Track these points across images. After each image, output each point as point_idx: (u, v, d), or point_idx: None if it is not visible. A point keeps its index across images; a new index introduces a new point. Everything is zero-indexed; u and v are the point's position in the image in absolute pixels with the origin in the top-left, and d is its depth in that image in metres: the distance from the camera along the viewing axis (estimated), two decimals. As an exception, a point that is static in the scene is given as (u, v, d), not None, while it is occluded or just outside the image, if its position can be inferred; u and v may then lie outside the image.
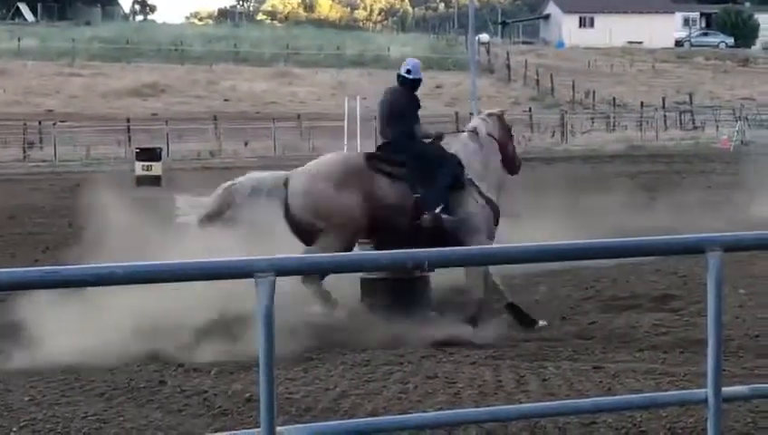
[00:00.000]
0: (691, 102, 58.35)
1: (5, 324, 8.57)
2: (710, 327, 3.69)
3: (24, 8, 77.73)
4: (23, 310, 8.38)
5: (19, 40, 62.04)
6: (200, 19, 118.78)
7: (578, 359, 8.03)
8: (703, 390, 3.72)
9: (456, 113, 51.17)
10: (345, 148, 22.20)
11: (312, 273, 3.32)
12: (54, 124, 41.35)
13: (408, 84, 9.89)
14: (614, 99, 58.14)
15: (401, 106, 9.77)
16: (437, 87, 61.39)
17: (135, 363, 7.94)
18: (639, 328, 9.11)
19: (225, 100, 55.92)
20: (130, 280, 3.08)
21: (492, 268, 9.33)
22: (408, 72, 9.87)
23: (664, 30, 76.63)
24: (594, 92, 60.21)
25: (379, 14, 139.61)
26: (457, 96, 57.60)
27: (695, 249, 3.77)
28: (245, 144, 40.62)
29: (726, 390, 3.76)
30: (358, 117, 21.77)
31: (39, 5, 77.77)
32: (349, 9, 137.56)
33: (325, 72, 61.91)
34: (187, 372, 7.72)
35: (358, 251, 9.28)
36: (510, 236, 9.60)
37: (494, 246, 3.58)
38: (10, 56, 59.98)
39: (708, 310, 3.69)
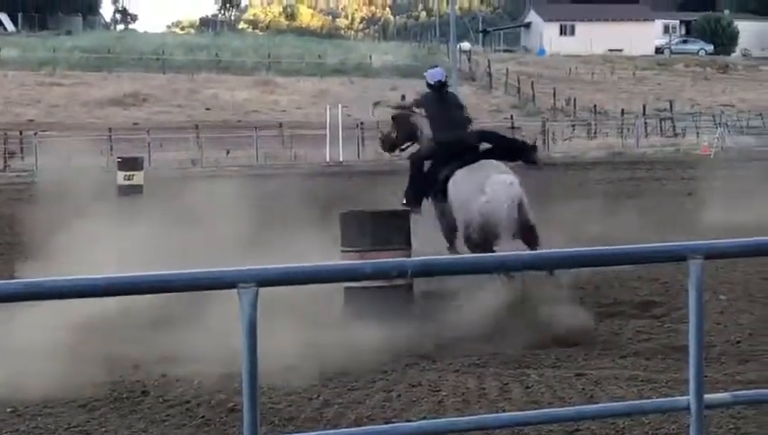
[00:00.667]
0: (671, 109, 58.65)
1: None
2: (691, 334, 3.70)
3: (4, 18, 77.41)
4: None
5: (0, 50, 61.83)
6: (182, 28, 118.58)
7: (560, 366, 8.05)
8: (685, 397, 3.73)
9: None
10: (327, 155, 22.14)
11: (295, 283, 3.31)
12: (35, 134, 41.19)
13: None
14: (595, 106, 58.37)
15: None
16: (419, 95, 61.46)
17: (117, 374, 7.91)
18: (622, 335, 9.14)
19: (207, 109, 55.83)
20: (112, 292, 3.07)
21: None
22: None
23: (644, 37, 77.03)
24: (575, 100, 60.43)
25: (361, 22, 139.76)
26: (439, 104, 57.61)
27: (676, 257, 3.79)
28: (227, 153, 40.57)
29: (708, 397, 3.78)
30: (340, 125, 21.71)
31: (19, 15, 77.47)
32: (330, 18, 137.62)
33: (307, 80, 61.94)
34: (169, 382, 7.70)
35: (343, 261, 9.28)
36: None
37: (480, 255, 3.59)
38: (-10, 66, 59.79)
39: (690, 317, 3.70)
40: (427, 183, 10.68)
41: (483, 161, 10.45)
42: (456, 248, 10.38)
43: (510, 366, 8.04)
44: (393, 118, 11.80)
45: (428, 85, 11.13)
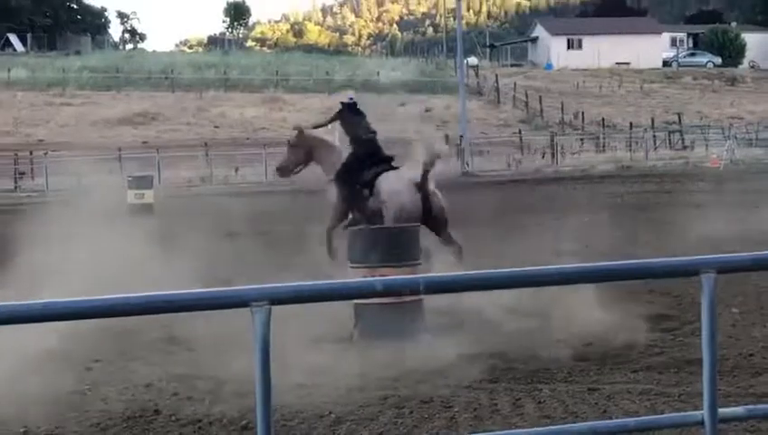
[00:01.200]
0: (680, 122, 58.61)
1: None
2: (705, 348, 3.69)
3: (13, 39, 77.81)
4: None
5: (9, 70, 62.08)
6: (190, 47, 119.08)
7: (573, 381, 8.02)
8: (699, 411, 3.71)
9: (447, 136, 51.38)
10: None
11: (308, 301, 3.30)
12: (45, 154, 41.34)
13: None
14: (603, 120, 58.37)
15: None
16: (427, 110, 61.55)
17: (129, 393, 7.91)
18: (634, 349, 9.10)
19: (216, 127, 56.00)
20: (126, 312, 3.07)
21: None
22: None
23: (651, 51, 77.08)
24: (583, 113, 60.45)
25: (368, 39, 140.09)
26: (447, 119, 57.77)
27: (688, 271, 3.77)
28: (236, 170, 40.67)
29: (723, 410, 3.76)
30: (347, 141, 21.79)
31: (29, 36, 77.85)
32: (338, 34, 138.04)
33: (315, 97, 62.06)
34: (181, 400, 7.70)
35: (356, 279, 9.29)
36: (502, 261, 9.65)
37: (492, 270, 3.57)
38: (0, 87, 60.01)
39: (702, 331, 3.69)
40: (355, 194, 12.46)
41: (398, 170, 12.45)
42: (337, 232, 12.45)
43: (522, 381, 8.02)
44: (289, 143, 13.54)
45: (343, 104, 13.27)
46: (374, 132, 12.98)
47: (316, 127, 13.69)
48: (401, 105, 62.58)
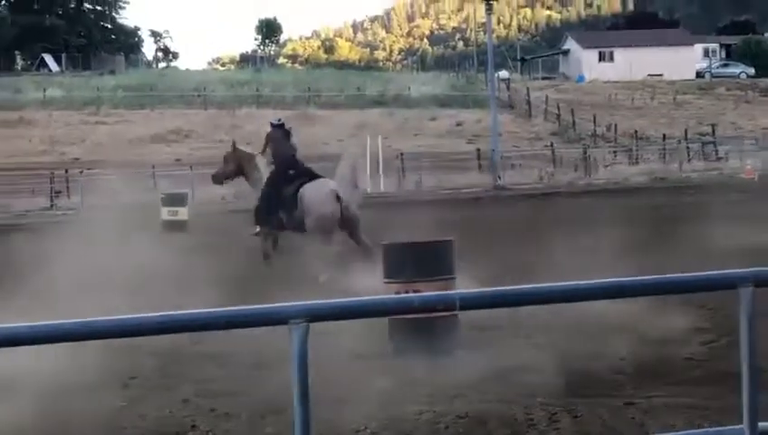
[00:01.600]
0: (714, 133, 58.19)
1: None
2: (743, 361, 3.67)
3: (48, 59, 78.66)
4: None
5: (44, 90, 62.76)
6: (222, 64, 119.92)
7: (609, 395, 7.97)
8: (739, 426, 3.69)
9: (478, 150, 51.31)
10: (368, 186, 22.59)
11: (345, 318, 3.32)
12: (81, 172, 41.71)
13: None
14: (636, 132, 58.07)
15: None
16: (458, 124, 61.57)
17: (166, 408, 7.95)
18: (671, 362, 9.04)
19: (248, 143, 56.16)
20: (163, 330, 3.10)
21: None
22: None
23: (684, 62, 76.64)
24: (616, 126, 60.18)
25: (399, 53, 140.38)
26: (479, 133, 57.73)
27: (726, 285, 3.75)
28: (270, 187, 40.76)
29: (763, 424, 3.73)
30: (380, 155, 21.88)
31: (63, 56, 78.67)
32: (368, 50, 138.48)
33: (346, 112, 62.24)
34: (218, 416, 7.72)
35: (391, 295, 9.30)
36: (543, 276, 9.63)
37: (527, 285, 3.58)
38: (36, 106, 60.64)
39: (741, 345, 3.67)
40: (279, 199, 14.65)
41: (320, 178, 14.75)
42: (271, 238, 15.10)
43: (558, 396, 7.98)
44: (225, 157, 16.35)
45: (272, 125, 15.77)
46: (296, 150, 15.24)
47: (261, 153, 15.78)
48: (432, 119, 62.62)
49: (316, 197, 14.30)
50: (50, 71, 76.83)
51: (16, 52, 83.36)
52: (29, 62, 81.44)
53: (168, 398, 8.20)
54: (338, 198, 14.17)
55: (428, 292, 7.42)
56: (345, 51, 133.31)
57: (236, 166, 15.94)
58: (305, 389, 3.19)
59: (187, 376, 8.76)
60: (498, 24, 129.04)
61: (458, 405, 7.77)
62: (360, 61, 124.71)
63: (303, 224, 14.32)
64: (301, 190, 14.44)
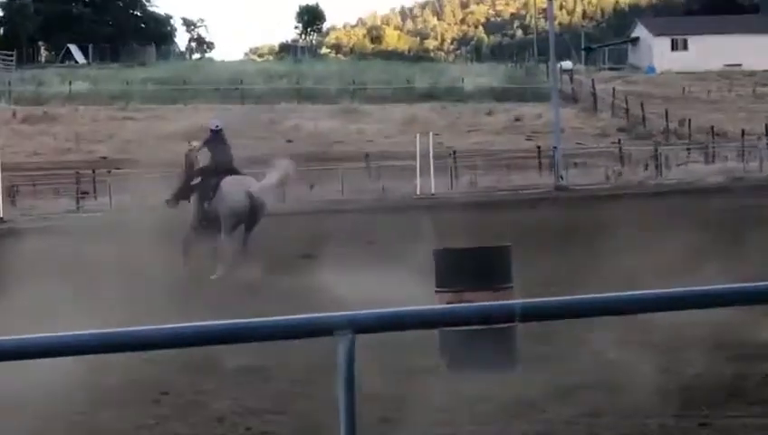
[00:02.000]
0: (798, 129, 57.50)
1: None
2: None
3: (74, 50, 79.51)
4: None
5: (70, 83, 63.51)
6: (260, 55, 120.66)
7: (683, 415, 7.91)
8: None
9: (538, 148, 51.14)
10: (418, 188, 22.61)
11: (393, 329, 3.34)
12: (109, 172, 42.14)
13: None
14: (712, 127, 57.59)
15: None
16: (517, 120, 61.42)
17: (200, 427, 8.01)
18: (749, 380, 8.96)
19: (288, 141, 56.50)
20: (207, 341, 3.14)
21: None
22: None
23: (765, 51, 75.73)
24: (690, 121, 59.69)
25: (452, 43, 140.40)
26: (539, 129, 57.53)
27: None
28: (311, 187, 40.94)
29: None
30: (431, 154, 21.91)
31: (90, 47, 79.47)
32: (418, 39, 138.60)
33: (394, 107, 62.29)
34: (255, 435, 7.78)
35: (443, 305, 9.30)
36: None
37: (592, 295, 3.57)
38: (61, 101, 61.38)
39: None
40: (199, 187, 17.50)
41: (238, 176, 17.72)
42: (198, 231, 17.43)
43: (626, 416, 7.94)
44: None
45: (210, 130, 18.41)
46: (232, 157, 18.12)
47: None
48: (488, 114, 62.53)
49: (232, 186, 17.28)
50: (76, 63, 77.72)
51: (40, 42, 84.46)
52: (54, 54, 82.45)
53: (202, 415, 8.26)
54: (251, 194, 17.07)
55: (483, 301, 7.42)
56: (393, 40, 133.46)
57: (189, 166, 18.36)
58: (352, 406, 3.21)
59: (222, 392, 8.83)
60: (560, 9, 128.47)
61: (517, 425, 7.77)
62: (409, 51, 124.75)
63: (216, 216, 17.11)
64: (220, 185, 17.35)
